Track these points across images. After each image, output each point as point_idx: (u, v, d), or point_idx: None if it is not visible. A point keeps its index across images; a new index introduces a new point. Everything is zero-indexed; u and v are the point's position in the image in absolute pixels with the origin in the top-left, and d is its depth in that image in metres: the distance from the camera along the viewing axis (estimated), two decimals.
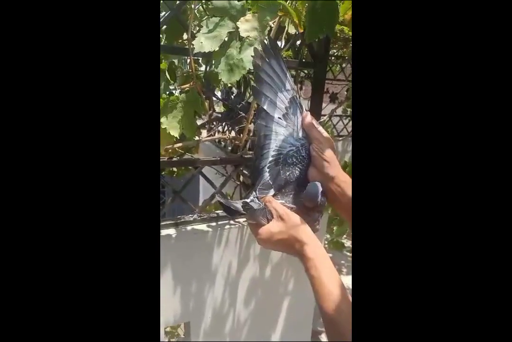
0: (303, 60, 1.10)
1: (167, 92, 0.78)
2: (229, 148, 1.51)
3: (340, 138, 2.24)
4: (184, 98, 0.68)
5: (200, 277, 0.97)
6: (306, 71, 1.52)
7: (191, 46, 0.60)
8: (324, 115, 1.02)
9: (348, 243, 1.87)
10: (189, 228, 0.94)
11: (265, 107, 0.56)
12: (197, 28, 0.71)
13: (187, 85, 0.73)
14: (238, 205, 0.53)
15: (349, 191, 0.54)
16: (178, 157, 1.04)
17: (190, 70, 0.76)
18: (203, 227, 0.95)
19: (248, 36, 0.59)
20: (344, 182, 0.55)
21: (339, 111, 2.15)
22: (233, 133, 1.23)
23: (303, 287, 0.48)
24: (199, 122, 1.32)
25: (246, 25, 0.58)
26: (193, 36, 0.63)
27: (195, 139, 0.85)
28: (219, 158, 0.93)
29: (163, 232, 0.89)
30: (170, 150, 0.86)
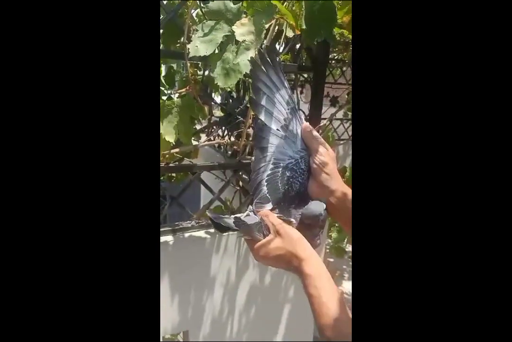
0: (303, 64, 1.09)
1: (165, 98, 0.78)
2: (229, 152, 1.50)
3: (341, 142, 2.23)
4: (179, 103, 0.67)
5: (199, 284, 0.95)
6: (306, 75, 1.51)
7: (187, 50, 0.59)
8: (325, 119, 1.00)
9: (349, 248, 1.86)
10: (187, 234, 0.92)
11: (262, 118, 0.54)
12: (195, 32, 0.70)
13: (184, 89, 0.71)
14: (230, 220, 0.50)
15: (350, 204, 0.52)
16: (177, 163, 1.03)
17: (188, 75, 0.75)
18: (201, 233, 0.94)
19: (244, 40, 0.58)
20: (345, 194, 0.53)
21: (340, 115, 2.14)
22: (232, 138, 1.22)
23: (303, 294, 0.46)
24: (198, 127, 1.31)
25: (242, 29, 0.57)
26: (189, 40, 0.62)
27: (193, 144, 0.84)
28: (217, 164, 0.92)
29: (161, 239, 0.87)
30: (167, 156, 0.85)
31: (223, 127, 1.26)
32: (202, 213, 0.98)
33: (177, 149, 0.81)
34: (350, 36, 1.02)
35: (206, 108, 1.19)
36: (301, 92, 1.86)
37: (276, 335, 1.13)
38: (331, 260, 2.09)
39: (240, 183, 1.19)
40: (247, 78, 1.20)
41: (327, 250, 1.69)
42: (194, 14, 0.99)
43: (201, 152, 1.30)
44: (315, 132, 0.55)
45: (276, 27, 0.69)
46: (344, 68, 2.04)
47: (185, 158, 1.07)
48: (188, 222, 0.94)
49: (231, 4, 0.58)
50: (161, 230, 0.89)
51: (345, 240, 1.61)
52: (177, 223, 0.93)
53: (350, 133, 2.33)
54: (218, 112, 1.48)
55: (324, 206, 0.51)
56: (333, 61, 1.89)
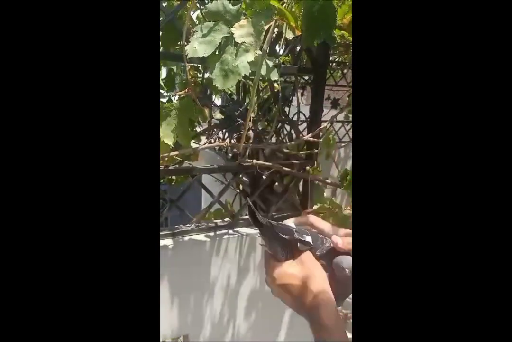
0: (303, 66, 1.08)
1: (164, 100, 0.77)
2: (230, 155, 1.50)
3: (343, 145, 2.22)
4: (178, 105, 0.66)
5: (199, 288, 0.94)
6: (306, 78, 1.51)
7: (185, 51, 0.59)
8: (325, 121, 1.00)
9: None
10: (186, 238, 0.91)
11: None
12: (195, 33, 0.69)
13: (183, 92, 0.71)
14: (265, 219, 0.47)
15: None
16: (177, 165, 1.03)
17: (188, 77, 0.74)
18: (201, 237, 0.93)
19: (244, 42, 0.58)
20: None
21: (341, 117, 2.13)
22: (233, 141, 1.21)
23: None
24: (198, 129, 1.31)
25: (241, 31, 0.57)
26: (188, 42, 0.62)
27: (192, 147, 0.83)
28: (216, 167, 0.91)
29: (160, 242, 0.87)
30: (166, 158, 0.84)
31: (223, 130, 1.26)
32: (201, 216, 0.97)
33: (176, 152, 0.80)
34: (351, 38, 1.02)
35: (206, 110, 1.19)
36: (302, 95, 1.86)
37: (276, 340, 1.12)
38: None
39: (240, 186, 1.18)
40: (247, 81, 1.20)
41: None
42: (194, 16, 0.99)
43: (203, 155, 1.29)
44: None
45: (276, 29, 0.68)
46: (345, 71, 2.03)
47: (185, 161, 1.06)
48: (188, 225, 0.93)
49: (230, 5, 0.57)
50: (160, 233, 0.88)
51: None
52: (176, 226, 0.92)
53: (351, 135, 2.32)
54: (218, 115, 1.48)
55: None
56: (334, 63, 1.88)
